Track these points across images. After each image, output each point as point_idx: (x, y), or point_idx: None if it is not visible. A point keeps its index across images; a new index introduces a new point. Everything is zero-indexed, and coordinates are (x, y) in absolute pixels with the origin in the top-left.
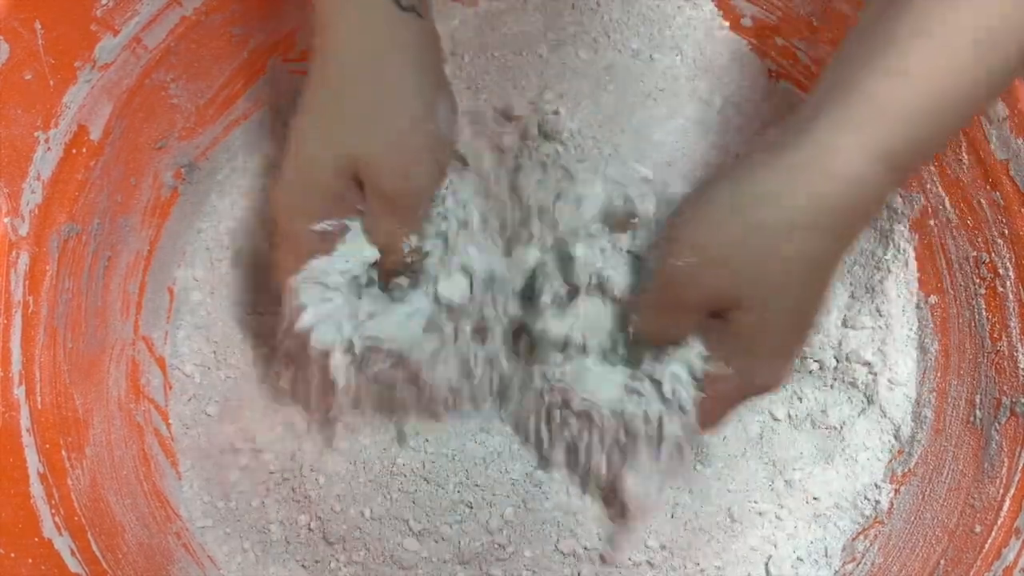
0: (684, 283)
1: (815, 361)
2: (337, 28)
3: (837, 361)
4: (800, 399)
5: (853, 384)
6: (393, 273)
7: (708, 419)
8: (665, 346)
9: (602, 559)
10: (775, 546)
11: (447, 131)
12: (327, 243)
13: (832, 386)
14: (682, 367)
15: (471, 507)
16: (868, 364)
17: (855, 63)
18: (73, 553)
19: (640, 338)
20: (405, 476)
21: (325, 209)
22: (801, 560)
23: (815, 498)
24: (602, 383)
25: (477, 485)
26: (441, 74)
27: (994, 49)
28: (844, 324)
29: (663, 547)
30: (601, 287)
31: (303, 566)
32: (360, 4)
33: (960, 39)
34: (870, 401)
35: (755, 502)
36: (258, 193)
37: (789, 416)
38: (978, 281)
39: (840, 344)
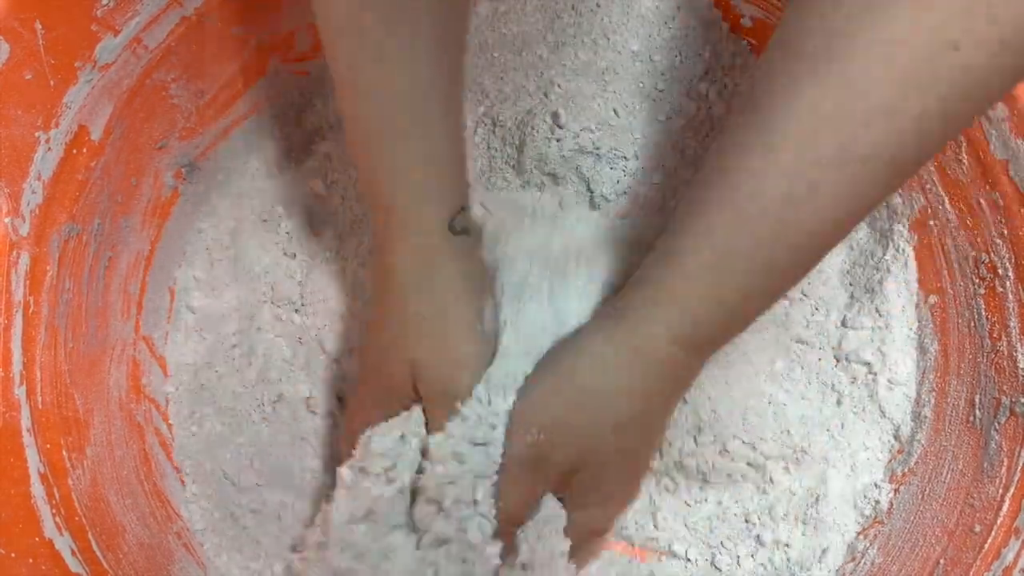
0: (535, 457)
1: (816, 361)
2: (396, 254)
3: (837, 361)
4: (800, 399)
5: (853, 384)
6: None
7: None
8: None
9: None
10: (775, 546)
11: (491, 333)
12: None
13: (832, 386)
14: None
15: None
16: (868, 364)
17: (660, 251)
18: (74, 553)
19: (507, 514)
20: None
21: (393, 404)
22: (801, 560)
23: (815, 498)
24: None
25: None
26: (484, 281)
27: (770, 255)
28: (844, 324)
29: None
30: None
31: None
32: (418, 234)
33: (737, 243)
34: (870, 401)
35: (755, 501)
36: (260, 196)
37: (788, 414)
38: (978, 281)
39: (840, 344)
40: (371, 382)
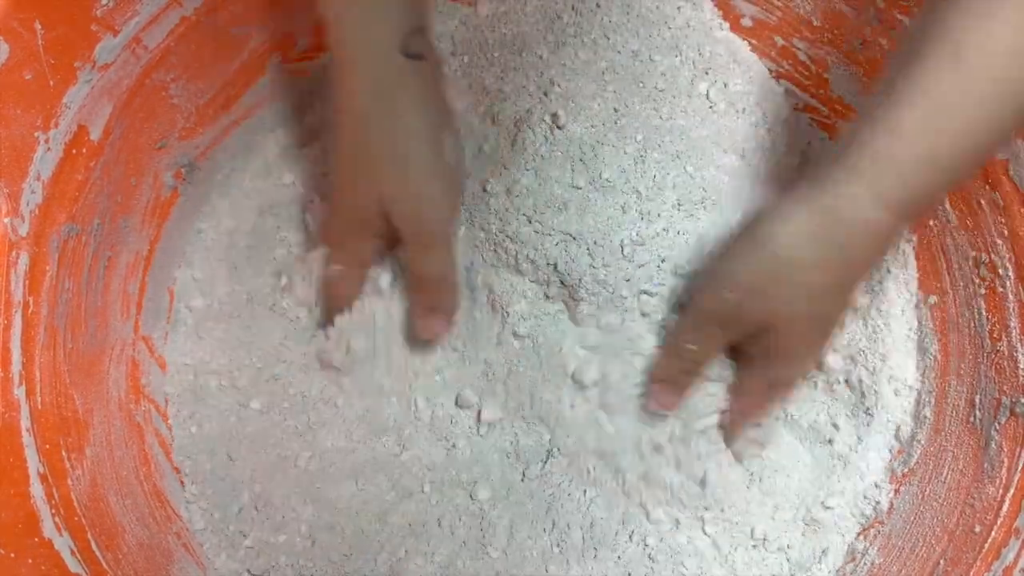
0: (724, 314)
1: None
2: (351, 81)
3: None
4: (799, 398)
5: (853, 384)
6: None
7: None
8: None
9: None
10: (775, 546)
11: (455, 164)
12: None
13: (832, 386)
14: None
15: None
16: (868, 364)
17: (867, 117)
18: (73, 553)
19: (690, 361)
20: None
21: (366, 238)
22: (801, 559)
23: (815, 498)
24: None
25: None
26: (445, 111)
27: (990, 110)
28: (844, 324)
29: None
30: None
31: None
32: (369, 57)
33: (957, 99)
34: (870, 401)
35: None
36: (260, 196)
37: (789, 416)
38: (978, 281)
39: (840, 344)
40: (344, 212)
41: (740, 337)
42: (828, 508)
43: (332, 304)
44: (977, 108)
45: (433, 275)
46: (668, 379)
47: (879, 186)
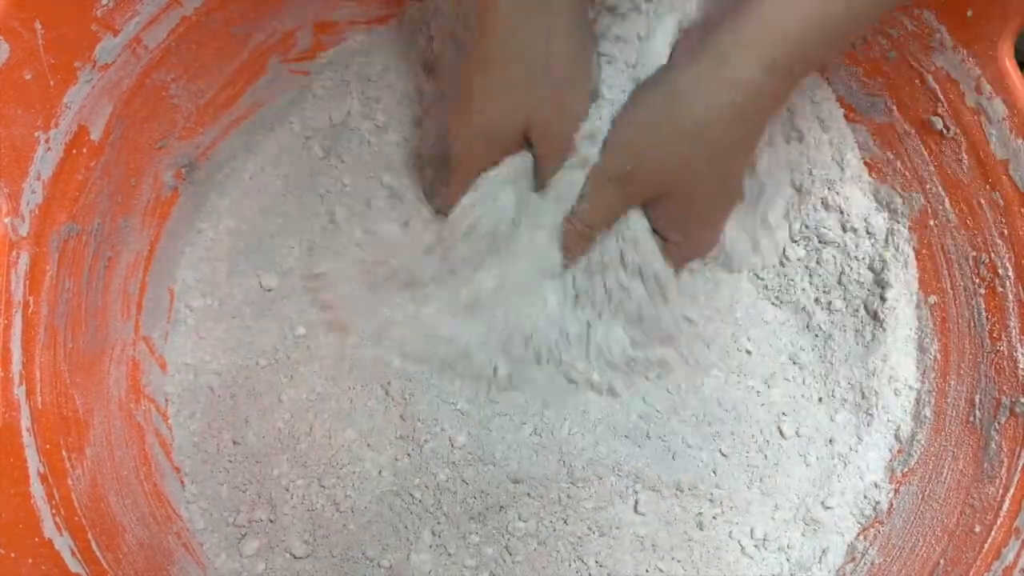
0: (624, 177)
1: (816, 360)
2: None
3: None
4: (800, 398)
5: (853, 384)
6: None
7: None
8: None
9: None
10: (775, 546)
11: (597, 77)
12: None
13: (832, 386)
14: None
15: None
16: (868, 364)
17: None
18: (73, 553)
19: (590, 220)
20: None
21: (499, 155)
22: (801, 559)
23: (815, 498)
24: None
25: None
26: (589, 27)
27: None
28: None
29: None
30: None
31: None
32: None
33: None
34: (870, 401)
35: (755, 501)
36: (260, 195)
37: (789, 416)
38: (978, 281)
39: (840, 345)
40: (475, 130)
41: (640, 201)
42: (828, 508)
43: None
44: None
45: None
46: (569, 244)
47: (761, 47)
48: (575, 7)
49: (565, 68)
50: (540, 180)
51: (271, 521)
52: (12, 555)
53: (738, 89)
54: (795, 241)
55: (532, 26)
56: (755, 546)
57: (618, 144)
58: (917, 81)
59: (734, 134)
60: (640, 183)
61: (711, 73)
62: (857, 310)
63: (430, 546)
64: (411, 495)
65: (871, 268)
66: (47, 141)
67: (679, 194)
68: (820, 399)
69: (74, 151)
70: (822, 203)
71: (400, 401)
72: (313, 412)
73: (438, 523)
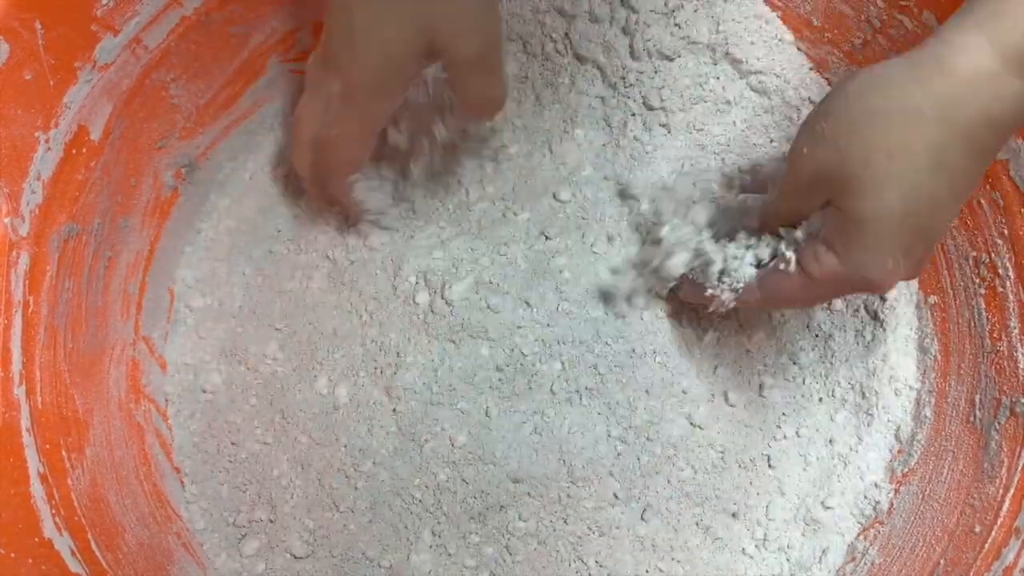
0: (802, 165)
1: (816, 360)
2: None
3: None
4: (800, 398)
5: (853, 384)
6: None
7: (794, 299)
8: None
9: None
10: (775, 546)
11: None
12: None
13: (832, 386)
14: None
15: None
16: (868, 364)
17: None
18: (73, 553)
19: (764, 221)
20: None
21: (403, 87)
22: (801, 559)
23: (815, 498)
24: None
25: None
26: None
27: None
28: (844, 325)
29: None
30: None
31: (302, 564)
32: None
33: None
34: (870, 401)
35: (755, 502)
36: (260, 195)
37: (789, 416)
38: (978, 281)
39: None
40: (371, 59)
41: (821, 200)
42: (828, 508)
43: (337, 173)
44: None
45: (496, 97)
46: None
47: (995, 34)
48: None
49: None
50: (463, 101)
51: (271, 521)
52: (12, 555)
53: (960, 77)
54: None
55: None
56: (755, 546)
57: (807, 126)
58: None
59: (943, 132)
60: (816, 167)
61: (930, 59)
62: (857, 310)
63: (430, 546)
64: (411, 495)
65: None
66: (47, 141)
67: (860, 193)
68: (820, 399)
69: (74, 151)
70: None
71: (400, 400)
72: (313, 412)
73: (438, 523)
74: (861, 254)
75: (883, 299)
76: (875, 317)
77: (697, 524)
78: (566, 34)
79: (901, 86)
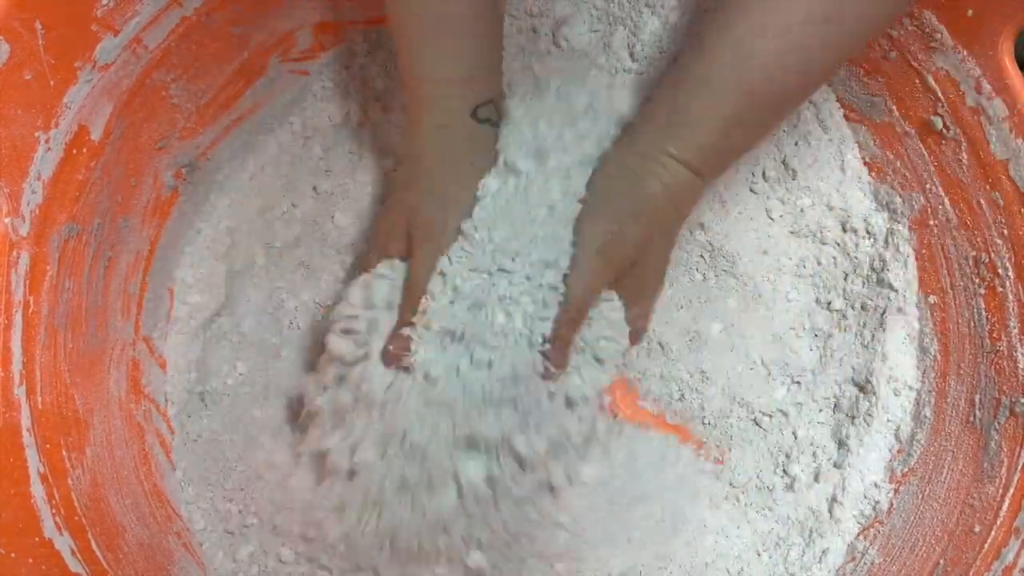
0: (609, 246)
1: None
2: (421, 128)
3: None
4: (800, 399)
5: (853, 383)
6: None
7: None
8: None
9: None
10: (776, 546)
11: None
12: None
13: (832, 386)
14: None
15: None
16: (868, 364)
17: (668, 85)
18: (73, 553)
19: (577, 304)
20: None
21: (395, 248)
22: (802, 559)
23: (815, 497)
24: None
25: None
26: (488, 163)
27: (759, 96)
28: (844, 326)
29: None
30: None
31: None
32: (442, 113)
33: (729, 87)
34: (870, 401)
35: (755, 502)
36: (260, 195)
37: (789, 416)
38: (978, 281)
39: (840, 344)
40: (375, 238)
41: (614, 276)
42: (828, 508)
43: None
44: (748, 96)
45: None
46: (561, 342)
47: (678, 149)
48: (485, 149)
49: (450, 190)
50: (412, 273)
51: (271, 521)
52: (12, 555)
53: (660, 184)
54: (792, 233)
55: (442, 159)
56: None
57: (591, 214)
58: (917, 81)
59: (661, 219)
60: (619, 250)
61: (639, 171)
62: (857, 310)
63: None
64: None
65: (871, 268)
66: (47, 141)
67: (638, 265)
68: (820, 399)
69: (74, 151)
70: (823, 203)
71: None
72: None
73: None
74: (644, 307)
75: (883, 299)
76: (875, 317)
77: (700, 524)
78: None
79: (635, 196)
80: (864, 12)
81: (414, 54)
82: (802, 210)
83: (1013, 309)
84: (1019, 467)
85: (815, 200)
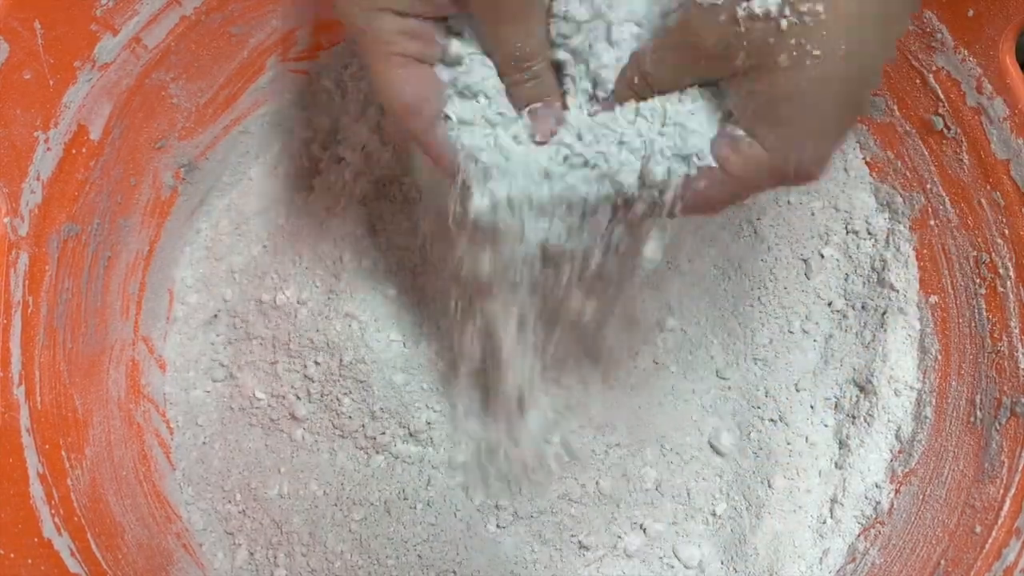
0: (706, 23)
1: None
2: None
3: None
4: (800, 400)
5: (853, 383)
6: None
7: (715, 201)
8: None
9: None
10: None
11: None
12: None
13: (832, 386)
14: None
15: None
16: (868, 364)
17: None
18: (73, 553)
19: (649, 83)
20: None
21: (412, 4)
22: (801, 560)
23: (815, 498)
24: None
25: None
26: None
27: None
28: (844, 326)
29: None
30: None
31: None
32: None
33: None
34: (870, 401)
35: (754, 502)
36: (259, 195)
37: (788, 416)
38: (978, 281)
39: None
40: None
41: (729, 68)
42: (829, 509)
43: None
44: None
45: (524, 53)
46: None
47: None
48: None
49: None
50: (498, 50)
51: (268, 523)
52: (12, 555)
53: None
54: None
55: None
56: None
57: None
58: (918, 81)
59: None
60: (729, 31)
61: None
62: (857, 310)
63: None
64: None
65: (872, 268)
66: (47, 141)
67: (786, 65)
68: (820, 399)
69: (73, 151)
70: (831, 205)
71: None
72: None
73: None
74: (797, 138)
75: (884, 299)
76: (875, 317)
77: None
78: None
79: None
80: None
81: None
82: (812, 213)
83: (1014, 309)
84: (1020, 467)
85: (825, 203)
